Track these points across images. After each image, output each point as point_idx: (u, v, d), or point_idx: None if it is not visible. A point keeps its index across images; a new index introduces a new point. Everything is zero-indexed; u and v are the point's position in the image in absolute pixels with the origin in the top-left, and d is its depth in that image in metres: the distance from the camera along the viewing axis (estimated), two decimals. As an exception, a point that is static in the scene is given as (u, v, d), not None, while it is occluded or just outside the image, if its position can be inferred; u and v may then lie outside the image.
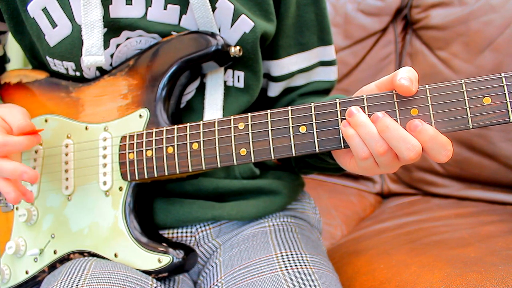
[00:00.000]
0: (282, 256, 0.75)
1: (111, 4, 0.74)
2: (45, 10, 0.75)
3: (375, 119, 0.58)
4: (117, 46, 0.77)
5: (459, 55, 1.38)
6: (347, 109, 0.61)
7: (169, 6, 0.75)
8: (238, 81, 0.82)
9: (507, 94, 0.56)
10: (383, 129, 0.58)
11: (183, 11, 0.76)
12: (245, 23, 0.76)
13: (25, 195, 0.73)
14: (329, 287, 0.71)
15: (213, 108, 0.79)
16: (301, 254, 0.76)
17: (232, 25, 0.76)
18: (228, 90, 0.81)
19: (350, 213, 1.42)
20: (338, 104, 0.62)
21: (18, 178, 0.70)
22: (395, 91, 0.60)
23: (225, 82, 0.81)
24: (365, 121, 0.59)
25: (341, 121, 0.62)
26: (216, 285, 0.75)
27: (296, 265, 0.73)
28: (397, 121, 0.59)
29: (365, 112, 0.60)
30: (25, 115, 0.76)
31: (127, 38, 0.77)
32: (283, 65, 0.85)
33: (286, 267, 0.72)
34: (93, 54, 0.74)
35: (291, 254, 0.75)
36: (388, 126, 0.58)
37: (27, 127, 0.72)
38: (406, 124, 0.58)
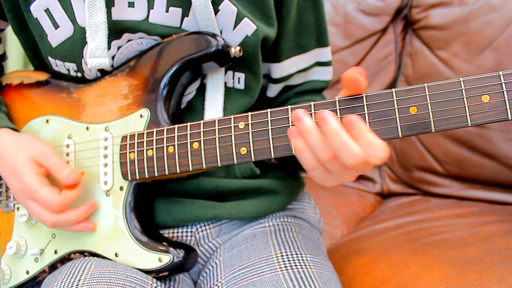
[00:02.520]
0: (282, 256, 0.75)
1: (113, 6, 0.74)
2: (47, 11, 0.75)
3: (321, 121, 0.57)
4: (118, 48, 0.77)
5: (459, 55, 1.38)
6: (347, 107, 0.61)
7: (171, 8, 0.75)
8: (239, 83, 0.82)
9: (505, 92, 0.56)
10: (328, 133, 0.57)
11: (185, 14, 0.76)
12: (248, 26, 0.76)
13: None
14: (329, 287, 0.71)
15: (214, 109, 0.79)
16: (301, 254, 0.76)
17: (234, 27, 0.77)
18: (229, 92, 0.81)
19: (350, 213, 1.42)
20: (337, 103, 0.62)
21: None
22: (394, 89, 0.60)
23: (225, 83, 0.81)
24: (311, 128, 0.58)
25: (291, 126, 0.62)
26: (216, 285, 0.75)
27: (296, 265, 0.73)
28: (395, 119, 0.59)
29: (364, 110, 0.60)
30: (58, 155, 0.75)
31: (128, 41, 0.77)
32: (283, 68, 0.86)
33: (286, 267, 0.72)
34: (98, 56, 0.74)
35: (291, 254, 0.75)
36: (331, 131, 0.57)
37: (78, 177, 0.73)
38: (342, 119, 0.58)
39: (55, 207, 0.71)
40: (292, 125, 0.62)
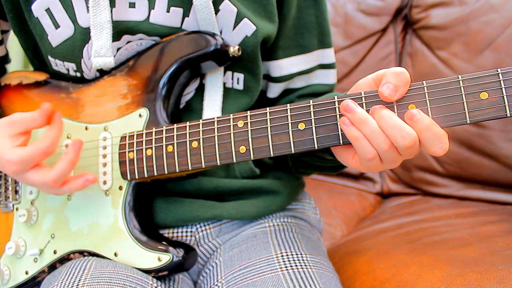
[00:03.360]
0: (282, 256, 0.75)
1: (115, 7, 0.74)
2: (48, 11, 0.75)
3: (372, 111, 0.58)
4: (118, 49, 0.77)
5: (459, 55, 1.39)
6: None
7: (172, 8, 0.75)
8: (238, 83, 0.82)
9: (503, 89, 0.56)
10: (378, 119, 0.58)
11: (186, 14, 0.76)
12: (247, 27, 0.76)
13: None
14: (329, 287, 0.71)
15: (212, 109, 0.79)
16: (301, 254, 0.76)
17: (234, 28, 0.77)
18: (228, 92, 0.81)
19: (350, 213, 1.42)
20: (336, 101, 0.63)
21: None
22: None
23: (224, 83, 0.81)
24: (367, 117, 0.59)
25: (339, 118, 0.61)
26: (216, 285, 0.75)
27: (296, 265, 0.73)
28: None
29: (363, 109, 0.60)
30: (25, 113, 0.72)
31: (128, 42, 0.77)
32: (282, 66, 0.85)
33: (286, 267, 0.72)
34: (102, 55, 0.74)
35: (291, 254, 0.75)
36: (383, 115, 0.58)
37: (48, 109, 0.71)
38: (404, 114, 0.58)
39: (48, 147, 0.69)
40: (340, 115, 0.62)
